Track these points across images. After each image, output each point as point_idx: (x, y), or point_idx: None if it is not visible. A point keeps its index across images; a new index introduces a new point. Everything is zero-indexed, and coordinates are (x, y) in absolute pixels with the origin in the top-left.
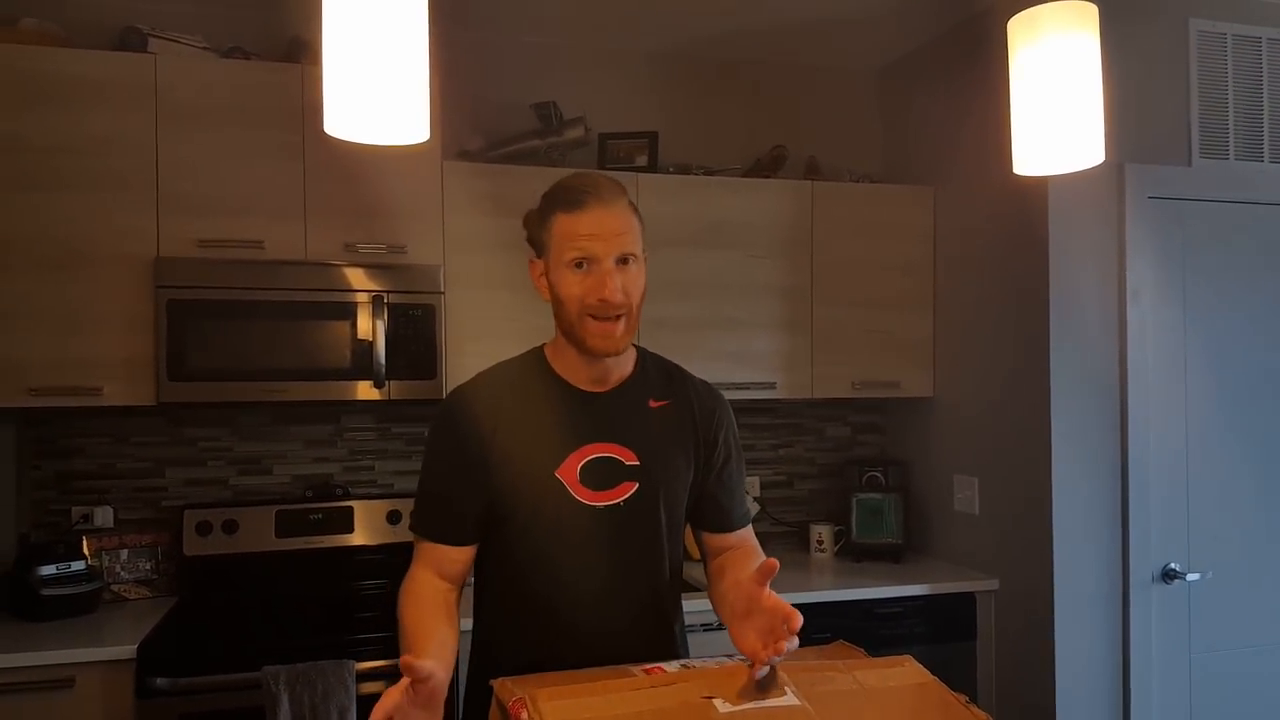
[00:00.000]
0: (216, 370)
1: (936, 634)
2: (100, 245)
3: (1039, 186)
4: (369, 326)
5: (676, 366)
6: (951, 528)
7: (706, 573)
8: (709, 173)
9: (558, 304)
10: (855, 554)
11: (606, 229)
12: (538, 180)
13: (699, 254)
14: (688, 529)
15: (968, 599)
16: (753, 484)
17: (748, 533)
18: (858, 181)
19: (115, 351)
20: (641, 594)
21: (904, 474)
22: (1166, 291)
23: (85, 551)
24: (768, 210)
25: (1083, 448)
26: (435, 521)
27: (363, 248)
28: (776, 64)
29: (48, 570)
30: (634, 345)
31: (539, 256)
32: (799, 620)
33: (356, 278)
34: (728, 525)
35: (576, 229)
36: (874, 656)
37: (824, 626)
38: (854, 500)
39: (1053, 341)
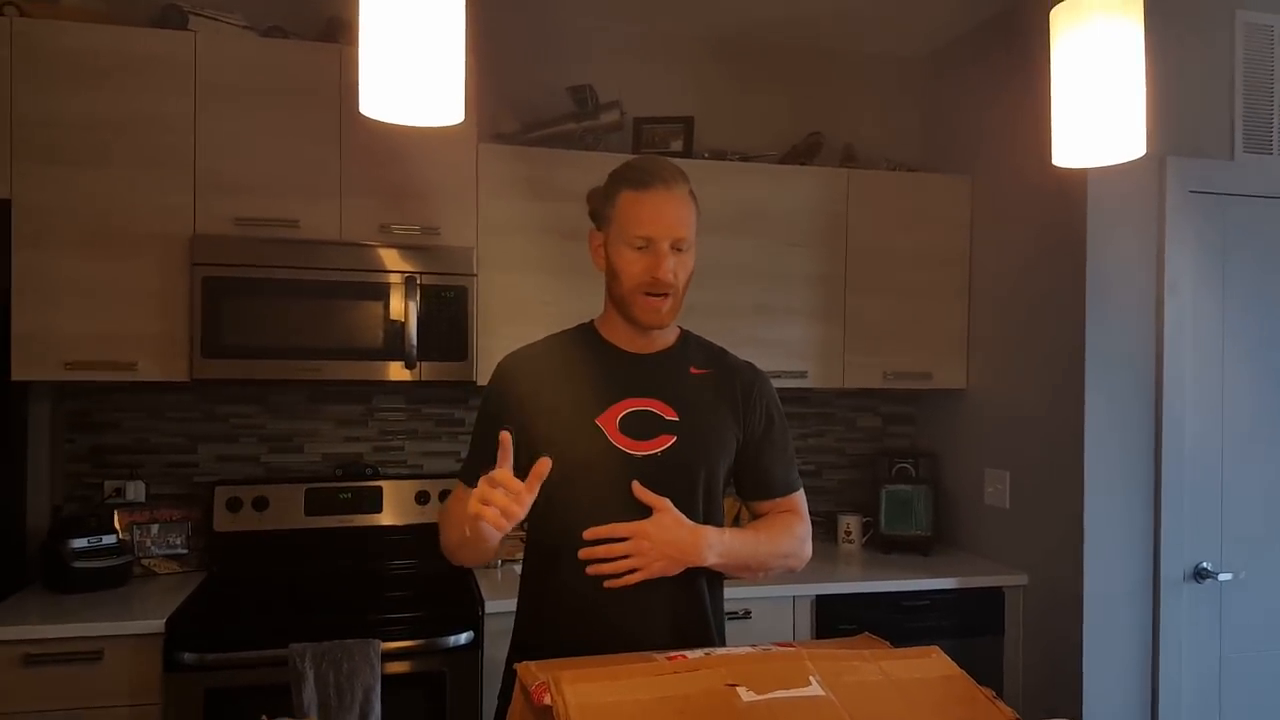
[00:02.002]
0: (250, 348)
1: (964, 628)
2: (137, 222)
3: (1078, 178)
4: (401, 307)
5: (719, 347)
6: (981, 521)
7: None
8: (744, 159)
9: (612, 276)
10: (883, 546)
11: (667, 214)
12: (572, 164)
13: (732, 240)
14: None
15: (996, 594)
16: None
17: (794, 499)
18: (894, 170)
19: (150, 327)
20: None
21: (934, 466)
22: (1206, 286)
23: (116, 525)
24: (803, 197)
25: (1116, 443)
26: (475, 468)
27: (397, 228)
28: (814, 50)
29: (79, 543)
30: (677, 325)
31: (599, 229)
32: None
33: (390, 258)
34: (770, 491)
35: (640, 210)
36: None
37: (851, 618)
38: (883, 492)
39: (1089, 335)
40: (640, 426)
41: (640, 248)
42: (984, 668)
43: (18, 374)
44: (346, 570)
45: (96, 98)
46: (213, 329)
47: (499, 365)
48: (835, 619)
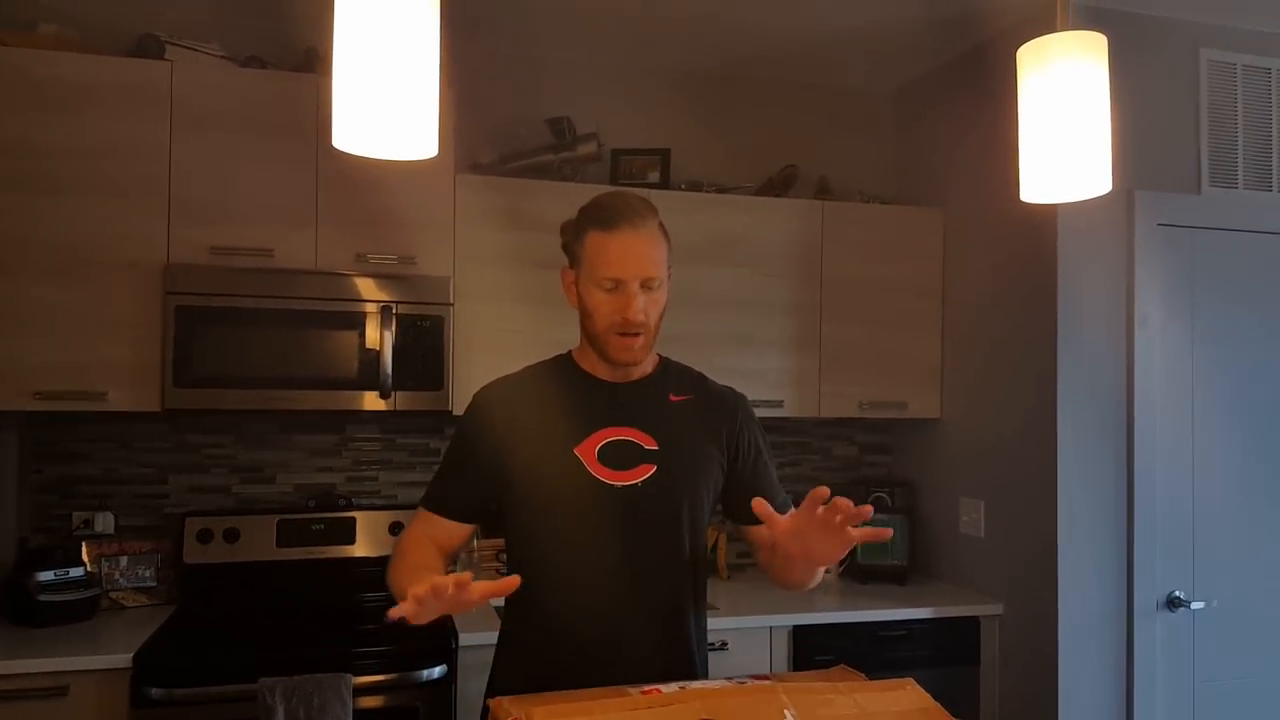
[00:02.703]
0: (223, 377)
1: (940, 658)
2: (110, 250)
3: (1048, 212)
4: (377, 337)
5: (698, 373)
6: (957, 551)
7: (761, 564)
8: (720, 190)
9: (585, 315)
10: (860, 576)
11: (634, 254)
12: (550, 195)
13: (709, 271)
14: (742, 532)
15: (972, 623)
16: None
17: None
18: (868, 202)
19: (122, 357)
20: (657, 581)
21: (910, 495)
22: (1174, 318)
23: (85, 558)
24: (778, 229)
25: (1089, 472)
26: (442, 496)
27: (373, 258)
28: (790, 84)
29: (46, 576)
30: (656, 353)
31: (571, 266)
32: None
33: (366, 287)
34: None
35: (608, 252)
36: (876, 679)
37: (827, 648)
38: (860, 521)
39: (1060, 365)
40: (619, 456)
41: (610, 289)
42: (960, 697)
43: None
44: (318, 602)
45: (71, 126)
46: (185, 358)
47: (477, 395)
48: (812, 650)
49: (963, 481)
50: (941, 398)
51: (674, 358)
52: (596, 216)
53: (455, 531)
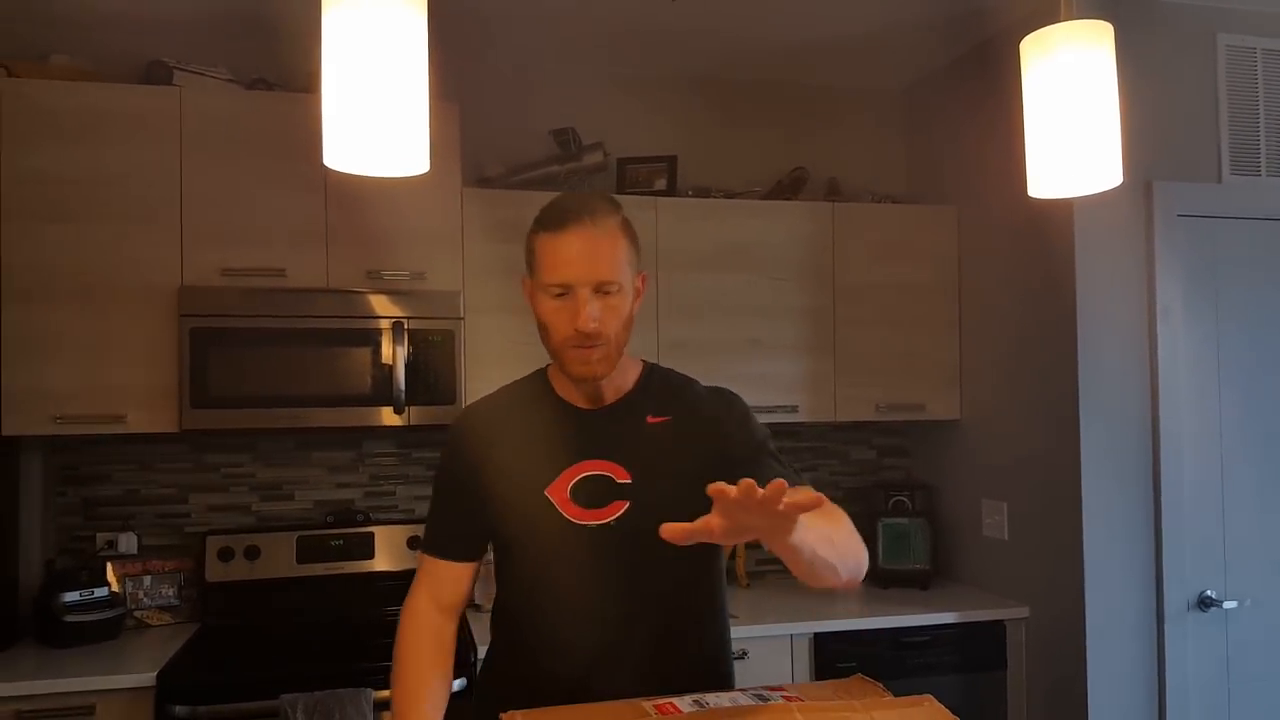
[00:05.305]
0: (239, 397)
1: (965, 663)
2: (125, 275)
3: (1064, 206)
4: (390, 352)
5: (684, 379)
6: (980, 554)
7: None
8: (729, 195)
9: (540, 328)
10: (881, 581)
11: (585, 256)
12: None
13: (720, 277)
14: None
15: (997, 627)
16: None
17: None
18: (879, 202)
19: (139, 380)
20: (647, 614)
21: (931, 498)
22: (1197, 310)
23: (109, 578)
24: (789, 232)
25: (1114, 471)
26: (436, 537)
27: (383, 274)
28: (796, 85)
29: (71, 597)
30: (642, 360)
31: (529, 275)
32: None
33: (377, 304)
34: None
35: (555, 255)
36: (897, 691)
37: (849, 655)
38: (880, 525)
39: (1081, 363)
40: (592, 494)
41: (559, 295)
42: (988, 703)
43: (8, 429)
44: (339, 617)
45: (83, 154)
46: (201, 380)
47: (453, 426)
48: (834, 657)
49: (984, 483)
50: (961, 399)
51: (688, 366)
52: (542, 218)
53: (461, 574)
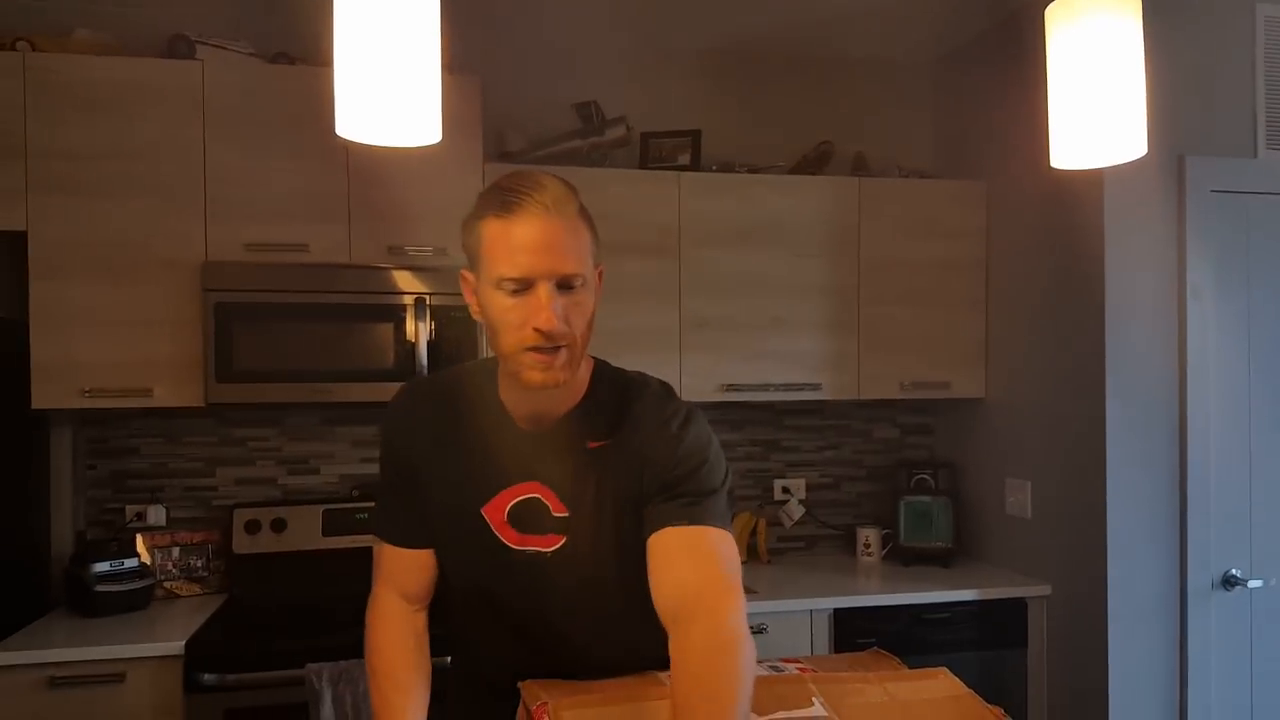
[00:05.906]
0: (263, 372)
1: (986, 640)
2: (149, 250)
3: (1094, 181)
4: (412, 328)
5: (633, 387)
6: (1003, 532)
7: None
8: (753, 170)
9: (489, 329)
10: (903, 558)
11: (546, 243)
12: (578, 181)
13: (743, 253)
14: None
15: (1019, 605)
16: (798, 486)
17: (689, 533)
18: (906, 177)
19: (165, 354)
20: (605, 633)
21: (954, 476)
22: (1229, 288)
23: (139, 549)
24: (814, 208)
25: (1139, 449)
26: (391, 524)
27: (406, 250)
28: (822, 58)
29: (102, 567)
30: (591, 357)
31: (470, 267)
32: None
33: (400, 280)
34: (653, 525)
35: (509, 242)
36: (917, 665)
37: (870, 631)
38: (902, 503)
39: (1109, 340)
40: (530, 518)
41: (514, 291)
42: (1008, 680)
43: (38, 402)
44: (363, 590)
45: (107, 129)
46: (226, 354)
47: (393, 407)
48: (854, 633)
49: (1008, 462)
50: (986, 377)
51: (710, 344)
52: (492, 200)
53: (426, 560)
